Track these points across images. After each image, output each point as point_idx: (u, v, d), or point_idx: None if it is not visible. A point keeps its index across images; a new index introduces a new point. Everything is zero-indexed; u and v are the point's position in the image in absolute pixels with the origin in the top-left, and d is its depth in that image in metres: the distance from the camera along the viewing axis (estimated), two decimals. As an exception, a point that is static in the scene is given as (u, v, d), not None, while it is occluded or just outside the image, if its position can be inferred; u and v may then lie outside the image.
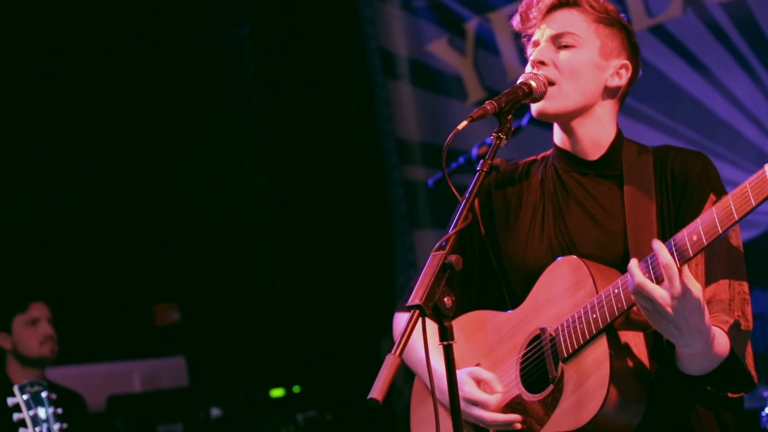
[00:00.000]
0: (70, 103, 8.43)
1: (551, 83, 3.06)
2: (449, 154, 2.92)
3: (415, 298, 2.61)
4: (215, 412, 7.68)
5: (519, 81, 3.05)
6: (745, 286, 2.94)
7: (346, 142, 8.82)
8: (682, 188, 3.01)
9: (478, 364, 3.19)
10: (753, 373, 2.88)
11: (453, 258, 2.66)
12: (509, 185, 3.26)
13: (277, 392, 8.12)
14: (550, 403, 2.96)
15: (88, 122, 8.52)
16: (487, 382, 3.09)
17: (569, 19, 3.10)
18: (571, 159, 3.15)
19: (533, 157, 3.30)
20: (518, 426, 3.04)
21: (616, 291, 2.86)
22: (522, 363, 3.08)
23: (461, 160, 6.22)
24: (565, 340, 2.95)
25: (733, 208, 2.66)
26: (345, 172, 8.80)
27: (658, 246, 2.72)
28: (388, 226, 8.48)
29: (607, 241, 3.04)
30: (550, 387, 2.98)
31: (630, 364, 2.89)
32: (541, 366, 3.02)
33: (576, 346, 2.93)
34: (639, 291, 2.73)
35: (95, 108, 8.55)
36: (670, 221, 3.00)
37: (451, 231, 2.75)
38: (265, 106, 8.92)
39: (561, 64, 3.07)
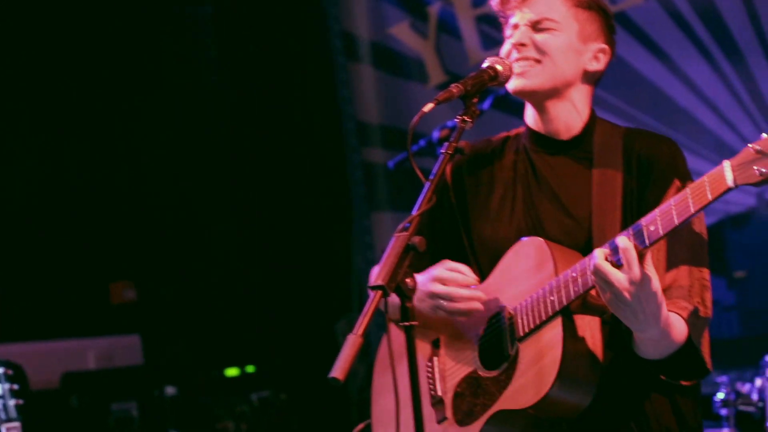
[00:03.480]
0: (23, 79, 8.36)
1: (537, 61, 3.08)
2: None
3: (378, 278, 2.62)
4: (170, 390, 7.66)
5: (485, 65, 3.05)
6: (706, 272, 2.96)
7: (306, 125, 8.81)
8: (648, 173, 3.03)
9: (439, 337, 3.21)
10: (707, 359, 2.90)
11: (416, 239, 2.67)
12: (482, 161, 3.27)
13: (231, 371, 8.12)
14: (503, 381, 2.99)
15: (41, 98, 8.44)
16: (458, 269, 3.10)
17: (548, 4, 3.11)
18: (542, 140, 3.17)
19: (506, 134, 3.31)
20: (479, 306, 3.05)
21: (573, 275, 2.88)
22: (481, 339, 3.10)
23: (422, 142, 6.21)
24: (522, 320, 2.98)
25: (690, 201, 2.68)
26: (305, 154, 8.78)
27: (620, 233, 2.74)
28: (346, 208, 8.48)
29: (573, 227, 3.06)
30: (504, 365, 3.00)
31: (583, 347, 2.91)
32: (498, 343, 3.04)
33: (532, 326, 2.95)
34: (597, 273, 2.75)
35: (49, 84, 8.48)
36: (632, 206, 3.02)
37: (414, 212, 2.75)
38: (226, 86, 8.89)
39: (540, 45, 3.09)
